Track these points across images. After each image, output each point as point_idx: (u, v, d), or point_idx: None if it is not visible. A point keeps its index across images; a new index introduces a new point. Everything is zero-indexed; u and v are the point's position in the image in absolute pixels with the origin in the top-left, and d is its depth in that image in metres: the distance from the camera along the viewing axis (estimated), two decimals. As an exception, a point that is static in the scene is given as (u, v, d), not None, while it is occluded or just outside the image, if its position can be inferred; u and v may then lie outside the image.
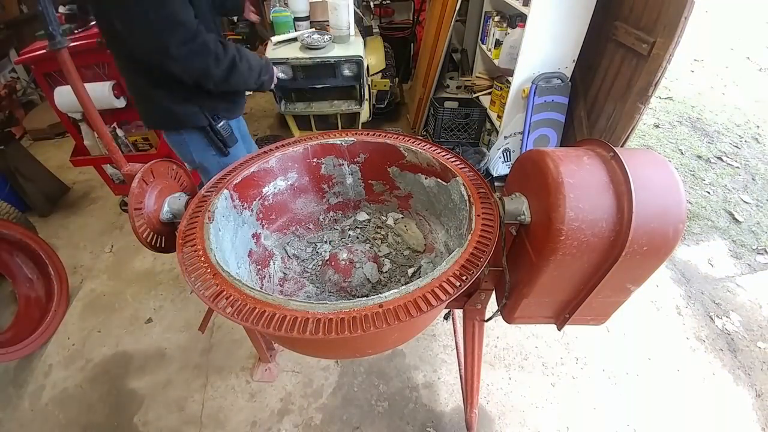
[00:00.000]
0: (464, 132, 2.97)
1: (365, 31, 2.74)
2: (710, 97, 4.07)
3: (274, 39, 2.42)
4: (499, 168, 2.62)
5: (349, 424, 1.63)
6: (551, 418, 1.64)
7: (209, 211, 0.93)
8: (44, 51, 1.97)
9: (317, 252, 1.25)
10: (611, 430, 1.61)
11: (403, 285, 0.78)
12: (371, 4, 3.43)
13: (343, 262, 1.16)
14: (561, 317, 0.97)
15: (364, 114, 2.75)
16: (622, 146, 2.17)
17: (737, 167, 3.08)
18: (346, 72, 2.44)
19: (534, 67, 2.34)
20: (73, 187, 3.01)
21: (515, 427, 1.62)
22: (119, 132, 2.27)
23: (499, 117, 2.70)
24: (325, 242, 1.29)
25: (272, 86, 1.54)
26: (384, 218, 1.33)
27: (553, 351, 1.87)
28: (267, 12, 2.72)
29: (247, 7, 1.72)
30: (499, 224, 0.87)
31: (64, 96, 2.06)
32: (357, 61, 2.40)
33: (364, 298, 0.74)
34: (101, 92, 2.03)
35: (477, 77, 3.23)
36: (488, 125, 2.98)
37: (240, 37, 2.79)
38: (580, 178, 0.74)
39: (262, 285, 1.11)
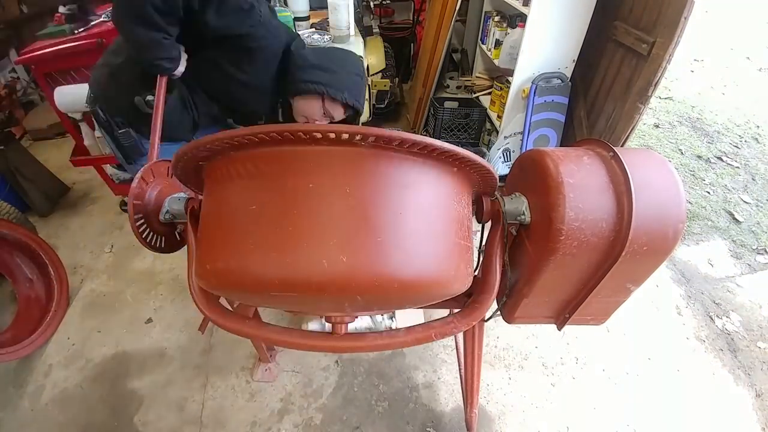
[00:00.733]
0: (464, 132, 2.97)
1: (365, 31, 2.73)
2: (710, 97, 4.07)
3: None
4: (499, 168, 2.62)
5: (349, 424, 1.63)
6: (551, 418, 1.64)
7: None
8: (44, 51, 1.98)
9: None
10: (611, 430, 1.61)
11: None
12: (371, 4, 3.43)
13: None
14: (561, 317, 0.97)
15: (364, 114, 2.74)
16: (622, 146, 2.17)
17: (737, 167, 3.08)
18: (346, 72, 2.44)
19: (534, 67, 2.34)
20: (73, 187, 3.01)
21: (515, 427, 1.62)
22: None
23: (499, 117, 2.71)
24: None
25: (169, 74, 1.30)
26: None
27: (553, 351, 1.87)
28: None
29: None
30: (500, 224, 0.87)
31: (64, 96, 2.06)
32: (357, 61, 2.39)
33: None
34: (101, 92, 2.02)
35: (477, 77, 3.23)
36: (488, 125, 2.99)
37: None
38: (580, 178, 0.74)
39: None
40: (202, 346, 1.91)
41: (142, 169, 0.92)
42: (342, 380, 1.76)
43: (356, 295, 0.65)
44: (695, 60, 4.91)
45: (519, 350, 1.88)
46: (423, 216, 0.67)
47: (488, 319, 1.11)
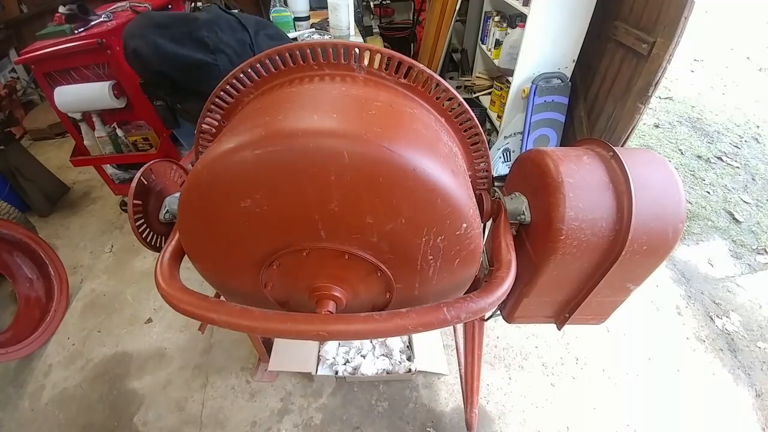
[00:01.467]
0: (464, 132, 2.97)
1: (365, 31, 2.74)
2: (710, 97, 4.07)
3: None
4: (499, 168, 2.62)
5: (349, 424, 1.62)
6: (551, 418, 1.64)
7: None
8: (44, 51, 1.98)
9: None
10: (611, 430, 1.61)
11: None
12: (371, 4, 3.43)
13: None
14: (561, 316, 0.97)
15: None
16: (622, 146, 2.17)
17: (737, 167, 3.08)
18: (346, 72, 2.44)
19: (534, 67, 2.34)
20: (73, 187, 3.01)
21: (515, 427, 1.62)
22: (119, 132, 2.28)
23: (499, 117, 2.71)
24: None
25: None
26: None
27: (553, 351, 1.87)
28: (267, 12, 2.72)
29: None
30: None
31: (64, 96, 2.06)
32: (357, 61, 2.39)
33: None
34: (101, 92, 2.03)
35: (477, 77, 3.23)
36: (488, 125, 2.98)
37: None
38: (580, 178, 0.74)
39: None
40: (202, 346, 1.91)
41: (141, 169, 0.92)
42: (342, 380, 1.76)
43: (345, 174, 0.59)
44: (695, 60, 4.91)
45: (519, 350, 1.88)
46: (418, 123, 0.70)
47: (488, 319, 1.12)
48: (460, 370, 1.58)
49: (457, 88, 3.38)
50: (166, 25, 1.34)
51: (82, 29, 2.04)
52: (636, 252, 0.73)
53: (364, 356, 1.72)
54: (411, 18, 3.72)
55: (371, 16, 3.39)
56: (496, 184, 0.95)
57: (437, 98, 0.80)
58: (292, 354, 1.73)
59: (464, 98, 2.93)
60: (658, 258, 0.76)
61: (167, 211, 0.98)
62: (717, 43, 5.33)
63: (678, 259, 2.34)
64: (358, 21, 2.72)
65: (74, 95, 2.07)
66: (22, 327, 1.96)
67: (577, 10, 2.13)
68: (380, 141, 0.58)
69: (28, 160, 2.69)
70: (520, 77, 2.39)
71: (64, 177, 2.97)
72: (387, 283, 0.74)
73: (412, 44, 3.78)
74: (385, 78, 0.77)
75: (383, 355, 1.74)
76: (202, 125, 0.87)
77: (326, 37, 2.38)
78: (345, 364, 1.71)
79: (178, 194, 1.00)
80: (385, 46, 3.30)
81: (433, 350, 1.78)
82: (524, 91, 2.40)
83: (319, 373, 1.66)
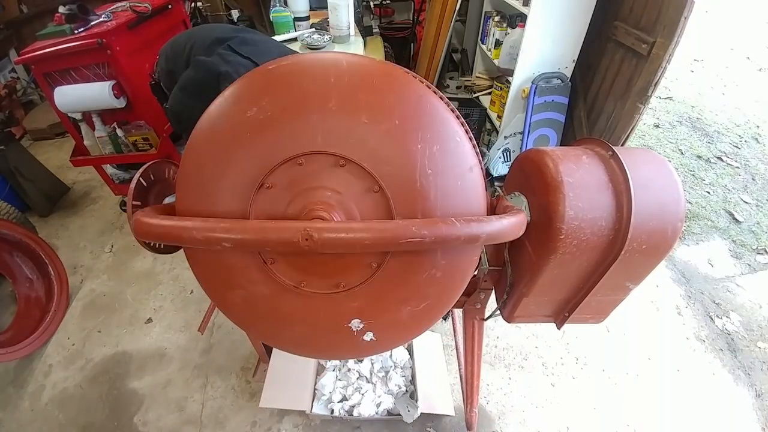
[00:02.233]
0: (464, 132, 2.97)
1: (365, 31, 2.73)
2: (710, 97, 4.07)
3: (275, 39, 2.42)
4: (499, 168, 2.62)
5: (349, 424, 1.62)
6: (551, 418, 1.64)
7: None
8: (44, 51, 1.98)
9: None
10: (611, 430, 1.61)
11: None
12: (371, 4, 3.43)
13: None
14: (560, 316, 0.97)
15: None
16: (621, 146, 2.17)
17: (737, 167, 3.08)
18: (346, 72, 2.44)
19: (534, 67, 2.34)
20: (73, 187, 3.01)
21: (515, 427, 1.62)
22: (119, 132, 2.28)
23: (499, 117, 2.70)
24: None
25: None
26: None
27: (553, 351, 1.87)
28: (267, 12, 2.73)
29: None
30: None
31: (64, 96, 2.06)
32: (357, 61, 2.39)
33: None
34: (101, 92, 2.03)
35: (477, 77, 3.23)
36: (488, 125, 2.98)
37: None
38: (579, 178, 0.74)
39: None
40: (202, 346, 1.91)
41: (140, 169, 0.91)
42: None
43: (343, 77, 0.67)
44: (695, 60, 4.91)
45: (519, 350, 1.88)
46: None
47: (488, 318, 1.12)
48: (460, 370, 1.58)
49: (457, 88, 3.38)
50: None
51: (82, 29, 2.04)
52: (635, 251, 0.73)
53: (363, 393, 1.58)
54: (411, 18, 3.72)
55: (371, 16, 3.38)
56: (496, 184, 0.94)
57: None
58: (286, 387, 1.59)
59: (464, 98, 2.91)
60: (657, 257, 0.76)
61: (167, 211, 0.98)
62: (717, 43, 5.33)
63: (678, 259, 2.33)
64: (358, 21, 2.72)
65: (74, 95, 2.07)
66: (22, 327, 1.96)
67: (576, 10, 2.13)
68: (377, 62, 0.72)
69: (28, 160, 2.69)
70: (520, 77, 2.39)
71: (64, 177, 2.97)
72: (386, 207, 0.67)
73: (412, 44, 3.77)
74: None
75: (384, 392, 1.59)
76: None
77: (326, 37, 2.38)
78: (341, 401, 1.57)
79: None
80: (385, 46, 3.29)
81: (439, 387, 1.63)
82: (524, 91, 2.40)
83: (314, 411, 1.54)
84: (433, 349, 1.74)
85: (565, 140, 2.55)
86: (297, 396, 1.57)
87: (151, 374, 1.83)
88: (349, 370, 1.63)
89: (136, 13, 2.18)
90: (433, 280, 0.71)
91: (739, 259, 2.35)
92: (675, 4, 1.74)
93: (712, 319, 2.02)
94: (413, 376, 1.63)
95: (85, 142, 2.31)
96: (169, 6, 2.51)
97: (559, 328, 0.99)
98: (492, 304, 1.13)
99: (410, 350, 1.72)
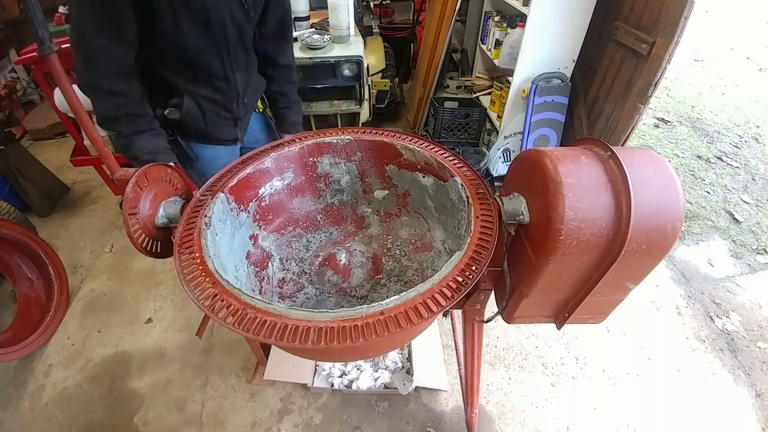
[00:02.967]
0: (464, 132, 2.97)
1: (365, 31, 2.74)
2: (710, 97, 4.07)
3: None
4: (499, 168, 2.62)
5: (349, 424, 1.62)
6: (551, 418, 1.64)
7: (206, 216, 0.92)
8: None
9: (315, 252, 1.25)
10: (611, 430, 1.61)
11: (402, 287, 0.78)
12: (371, 4, 3.43)
13: (342, 263, 1.16)
14: (560, 316, 0.97)
15: (364, 114, 2.75)
16: (621, 146, 2.17)
17: (737, 167, 3.08)
18: (346, 72, 2.45)
19: (534, 67, 2.34)
20: (73, 187, 3.02)
21: (515, 427, 1.62)
22: (119, 132, 2.27)
23: (499, 117, 2.70)
24: (323, 242, 1.29)
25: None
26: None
27: (553, 351, 1.87)
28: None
29: None
30: (498, 226, 0.87)
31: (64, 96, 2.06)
32: (357, 61, 2.40)
33: (366, 306, 0.73)
34: (101, 92, 2.02)
35: (477, 77, 3.23)
36: (488, 125, 2.98)
37: None
38: (579, 178, 0.74)
39: (262, 287, 1.10)
40: (202, 346, 1.91)
41: (136, 174, 0.91)
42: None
43: None
44: (695, 60, 4.91)
45: (519, 350, 1.88)
46: None
47: (488, 320, 1.12)
48: (460, 370, 1.58)
49: (457, 88, 3.38)
50: None
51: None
52: (635, 251, 0.73)
53: (361, 370, 1.70)
54: (411, 18, 3.72)
55: (371, 16, 3.39)
56: (496, 184, 0.95)
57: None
58: (288, 363, 1.71)
59: (464, 98, 2.92)
60: (657, 257, 0.76)
61: (163, 216, 0.98)
62: (717, 43, 5.33)
63: (678, 259, 2.33)
64: (358, 21, 2.72)
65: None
66: (22, 327, 1.96)
67: (577, 10, 2.13)
68: None
69: (28, 160, 2.69)
70: (520, 77, 2.39)
71: (64, 177, 2.97)
72: None
73: (412, 44, 3.78)
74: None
75: (381, 368, 1.70)
76: None
77: (326, 37, 2.38)
78: (341, 376, 1.68)
79: (173, 198, 1.00)
80: (385, 46, 3.29)
81: (434, 364, 1.73)
82: (524, 91, 2.40)
83: (315, 384, 1.66)
84: (429, 329, 1.79)
85: (565, 140, 2.55)
86: (299, 371, 1.69)
87: (151, 374, 1.83)
88: None
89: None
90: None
91: (739, 259, 2.35)
92: (675, 4, 1.74)
93: (712, 319, 2.02)
94: (410, 354, 1.73)
95: (85, 142, 2.32)
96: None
97: (559, 329, 0.99)
98: (492, 304, 1.13)
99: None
